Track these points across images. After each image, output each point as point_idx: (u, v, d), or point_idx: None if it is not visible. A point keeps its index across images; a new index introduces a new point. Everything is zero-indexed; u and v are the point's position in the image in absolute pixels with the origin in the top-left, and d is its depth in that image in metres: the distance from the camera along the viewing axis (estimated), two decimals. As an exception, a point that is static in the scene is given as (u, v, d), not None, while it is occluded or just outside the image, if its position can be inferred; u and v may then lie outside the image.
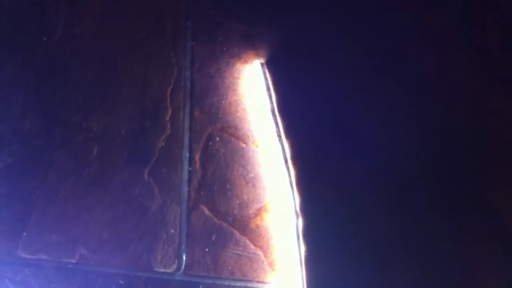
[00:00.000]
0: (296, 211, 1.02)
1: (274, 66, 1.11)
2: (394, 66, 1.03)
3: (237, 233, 1.07)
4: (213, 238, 1.07)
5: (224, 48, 1.15)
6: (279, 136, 1.09)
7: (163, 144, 1.13)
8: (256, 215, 1.06)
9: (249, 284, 1.05)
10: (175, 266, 1.10)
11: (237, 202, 1.08)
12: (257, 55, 1.13)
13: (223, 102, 1.13)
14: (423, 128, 0.99)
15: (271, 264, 1.05)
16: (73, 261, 1.15)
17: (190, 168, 1.11)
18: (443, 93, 1.01)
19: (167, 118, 1.15)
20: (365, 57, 1.04)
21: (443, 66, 1.01)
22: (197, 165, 1.11)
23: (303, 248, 1.00)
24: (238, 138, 1.11)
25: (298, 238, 1.00)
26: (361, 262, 0.96)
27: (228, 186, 1.09)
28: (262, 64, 1.13)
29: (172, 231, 1.10)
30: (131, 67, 1.17)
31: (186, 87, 1.16)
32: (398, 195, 0.97)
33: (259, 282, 1.05)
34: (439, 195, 0.97)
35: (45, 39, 1.19)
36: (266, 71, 1.13)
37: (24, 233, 1.19)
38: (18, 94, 1.22)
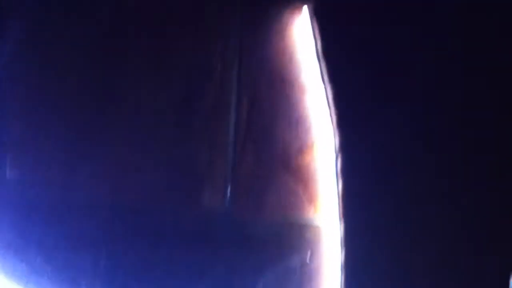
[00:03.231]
0: (336, 150, 1.06)
1: (320, 12, 1.14)
2: None
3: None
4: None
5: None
6: (323, 79, 1.13)
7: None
8: (299, 154, 1.12)
9: (289, 218, 1.12)
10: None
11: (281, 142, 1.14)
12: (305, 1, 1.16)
13: (271, 50, 1.18)
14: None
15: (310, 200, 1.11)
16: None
17: (235, 119, 1.19)
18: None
19: (217, 76, 1.22)
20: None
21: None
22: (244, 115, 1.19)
23: (340, 184, 1.04)
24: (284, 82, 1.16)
25: (337, 175, 1.04)
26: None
27: (272, 127, 1.15)
28: (309, 10, 1.15)
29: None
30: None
31: (235, 41, 1.21)
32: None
33: (299, 216, 1.11)
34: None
35: None
36: (313, 17, 1.16)
37: None
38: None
